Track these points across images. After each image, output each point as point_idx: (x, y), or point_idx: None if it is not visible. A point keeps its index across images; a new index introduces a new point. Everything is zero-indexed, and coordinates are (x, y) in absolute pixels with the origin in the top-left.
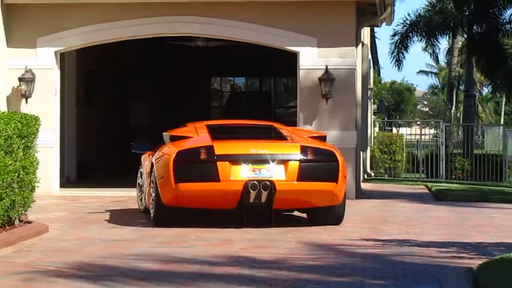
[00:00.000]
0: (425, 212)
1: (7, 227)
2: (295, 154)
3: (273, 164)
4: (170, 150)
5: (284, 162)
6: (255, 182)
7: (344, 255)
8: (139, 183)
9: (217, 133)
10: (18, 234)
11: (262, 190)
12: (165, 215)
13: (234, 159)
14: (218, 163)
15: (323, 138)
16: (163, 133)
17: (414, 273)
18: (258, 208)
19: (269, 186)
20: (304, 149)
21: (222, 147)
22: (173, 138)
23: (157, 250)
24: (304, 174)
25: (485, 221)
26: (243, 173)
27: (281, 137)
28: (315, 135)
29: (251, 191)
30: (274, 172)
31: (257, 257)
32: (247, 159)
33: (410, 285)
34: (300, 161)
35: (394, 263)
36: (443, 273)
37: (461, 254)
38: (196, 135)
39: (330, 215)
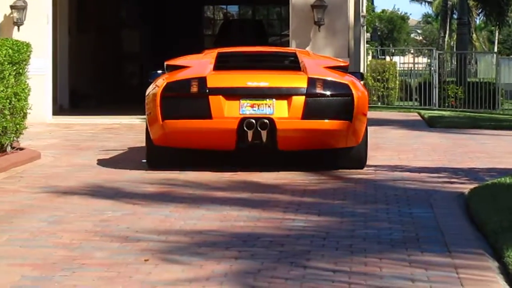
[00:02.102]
0: (418, 139)
1: None
2: (301, 87)
3: (275, 99)
4: (160, 82)
5: (288, 96)
6: (252, 120)
7: (337, 181)
8: None
9: (224, 62)
10: (10, 160)
11: (260, 129)
12: (157, 155)
13: (229, 93)
14: (210, 97)
15: (344, 69)
16: (165, 63)
17: (406, 198)
18: (261, 149)
19: (268, 124)
20: (312, 82)
21: (216, 79)
22: (170, 68)
23: (150, 175)
24: (311, 111)
25: (477, 147)
26: (240, 109)
27: (293, 68)
28: (340, 64)
29: (247, 130)
30: (275, 109)
31: (250, 181)
32: (244, 93)
33: (401, 209)
34: (307, 95)
35: (386, 188)
36: (434, 198)
37: (453, 180)
38: (198, 64)
39: (348, 157)
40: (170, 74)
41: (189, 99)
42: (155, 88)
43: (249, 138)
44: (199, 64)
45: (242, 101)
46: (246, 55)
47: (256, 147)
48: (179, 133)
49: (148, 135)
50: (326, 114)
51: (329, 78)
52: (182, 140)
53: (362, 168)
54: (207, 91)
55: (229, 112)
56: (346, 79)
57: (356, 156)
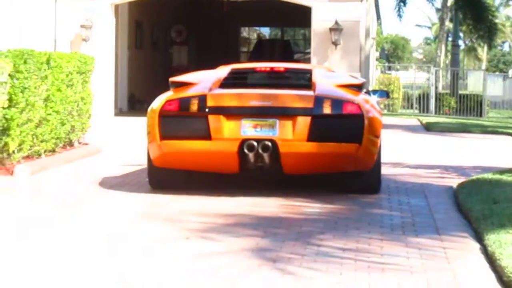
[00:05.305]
0: (416, 140)
1: (68, 147)
2: (307, 107)
3: (278, 119)
4: (160, 99)
5: (293, 117)
6: (253, 142)
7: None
8: None
9: (234, 79)
10: (76, 153)
11: (262, 152)
12: (157, 176)
13: (230, 113)
14: (209, 116)
15: (358, 87)
16: (169, 80)
17: (405, 190)
18: (266, 172)
19: (270, 147)
20: (318, 101)
21: (217, 98)
22: (175, 85)
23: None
24: (317, 132)
25: (466, 148)
26: (242, 130)
27: (303, 86)
28: (355, 82)
29: (248, 153)
30: (279, 130)
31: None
32: (246, 113)
33: (401, 199)
34: (313, 116)
35: (389, 181)
36: (428, 190)
37: (444, 175)
38: (203, 81)
39: (358, 182)
40: (174, 91)
41: (188, 119)
42: (155, 105)
43: (251, 161)
44: (204, 81)
45: (243, 122)
46: (259, 71)
47: (261, 171)
48: (178, 154)
49: (148, 155)
50: (333, 136)
51: (337, 97)
52: (181, 162)
53: (375, 193)
54: (207, 110)
55: (230, 133)
56: (357, 98)
57: (368, 182)
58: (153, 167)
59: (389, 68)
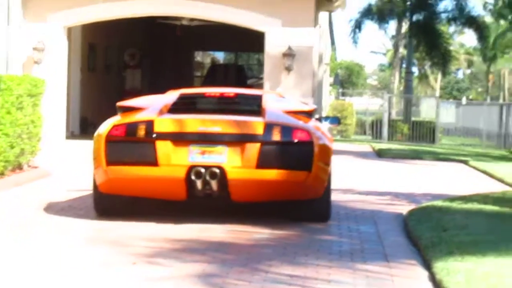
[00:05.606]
0: (368, 167)
1: (17, 171)
2: (256, 133)
3: (227, 146)
4: (107, 124)
5: (241, 143)
6: (200, 168)
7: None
8: None
9: (183, 105)
10: (26, 177)
11: (210, 179)
12: (103, 202)
13: (178, 138)
14: (157, 142)
15: (309, 114)
16: (116, 104)
17: (354, 216)
18: (215, 200)
19: (218, 174)
20: (268, 127)
21: (164, 123)
22: (122, 110)
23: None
24: (266, 159)
25: (417, 175)
26: (189, 156)
27: (253, 112)
28: (306, 109)
29: (195, 179)
30: (228, 156)
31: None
32: (194, 139)
33: (350, 225)
34: (262, 142)
35: (339, 207)
36: (378, 217)
37: (394, 202)
38: (152, 106)
39: (308, 210)
40: (122, 115)
41: (135, 144)
42: (102, 130)
43: (199, 188)
44: (153, 106)
45: (191, 148)
46: (209, 97)
47: (209, 198)
48: (124, 180)
49: (94, 181)
50: (283, 163)
51: (287, 124)
52: (127, 188)
53: (325, 221)
54: (154, 135)
55: (177, 160)
56: (307, 125)
57: (318, 209)
58: (99, 193)
59: (343, 94)
